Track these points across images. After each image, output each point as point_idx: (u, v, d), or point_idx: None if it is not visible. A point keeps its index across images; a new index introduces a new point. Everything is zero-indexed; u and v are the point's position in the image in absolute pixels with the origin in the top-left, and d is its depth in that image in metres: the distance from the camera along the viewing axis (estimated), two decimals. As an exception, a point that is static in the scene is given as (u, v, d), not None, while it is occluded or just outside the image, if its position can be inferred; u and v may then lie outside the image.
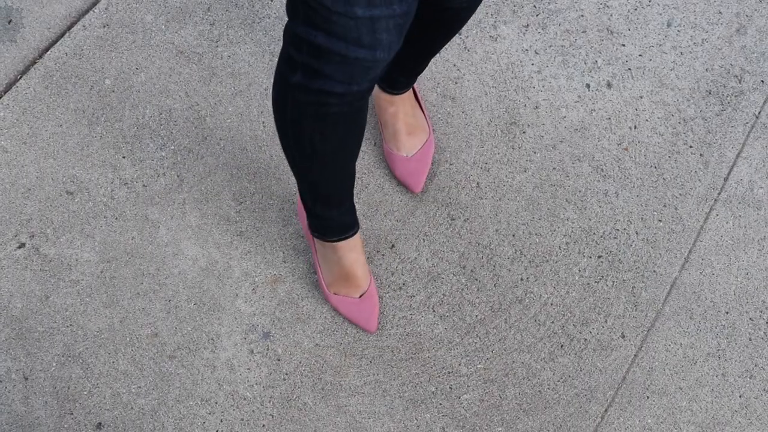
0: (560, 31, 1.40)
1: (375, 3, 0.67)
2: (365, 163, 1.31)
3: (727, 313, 1.26)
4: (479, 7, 1.40)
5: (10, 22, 1.37)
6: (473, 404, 1.19)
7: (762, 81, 1.38)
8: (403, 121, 1.25)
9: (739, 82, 1.38)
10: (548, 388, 1.21)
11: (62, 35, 1.37)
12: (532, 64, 1.38)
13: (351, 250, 1.15)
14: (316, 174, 0.98)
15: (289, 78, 0.79)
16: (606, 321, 1.24)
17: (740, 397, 1.22)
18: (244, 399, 1.19)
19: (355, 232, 1.14)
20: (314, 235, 1.14)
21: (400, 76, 1.19)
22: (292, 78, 0.79)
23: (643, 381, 1.22)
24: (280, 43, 1.38)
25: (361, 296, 1.19)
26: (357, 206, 1.27)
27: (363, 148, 1.32)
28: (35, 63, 1.35)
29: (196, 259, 1.25)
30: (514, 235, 1.28)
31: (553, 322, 1.24)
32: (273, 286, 1.24)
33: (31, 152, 1.30)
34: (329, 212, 1.08)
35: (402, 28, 0.72)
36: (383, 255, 1.26)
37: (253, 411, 1.19)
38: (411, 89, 1.26)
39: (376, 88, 1.24)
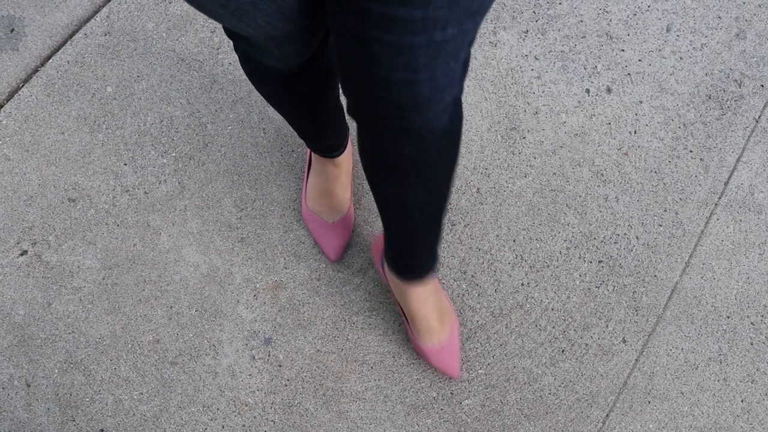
0: (560, 37, 1.41)
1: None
2: (366, 169, 1.32)
3: (728, 317, 1.26)
4: None
5: (12, 30, 1.38)
6: (474, 409, 1.19)
7: (762, 85, 1.38)
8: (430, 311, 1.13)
9: (739, 87, 1.38)
10: (549, 393, 1.21)
11: (64, 43, 1.38)
12: (532, 70, 1.38)
13: (333, 164, 1.18)
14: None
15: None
16: (607, 326, 1.24)
17: (742, 401, 1.22)
18: (246, 405, 1.19)
19: (336, 155, 1.16)
20: None
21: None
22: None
23: (645, 386, 1.22)
24: (281, 50, 1.39)
25: (334, 223, 1.21)
26: (357, 212, 1.28)
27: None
28: (37, 71, 1.36)
29: (197, 266, 1.26)
30: (514, 241, 1.28)
31: (554, 327, 1.24)
32: (274, 292, 1.25)
33: (33, 160, 1.31)
34: (303, 137, 1.11)
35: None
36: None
37: (254, 417, 1.19)
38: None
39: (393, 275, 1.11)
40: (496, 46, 1.40)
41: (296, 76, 0.85)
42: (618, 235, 1.29)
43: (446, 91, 0.67)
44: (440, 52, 0.61)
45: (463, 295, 1.25)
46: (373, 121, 0.73)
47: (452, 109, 0.72)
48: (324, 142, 1.11)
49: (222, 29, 1.39)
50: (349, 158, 1.22)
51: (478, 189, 1.30)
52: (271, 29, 0.70)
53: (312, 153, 1.21)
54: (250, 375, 1.21)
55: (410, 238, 0.96)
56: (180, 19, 1.40)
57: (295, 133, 1.32)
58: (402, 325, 1.23)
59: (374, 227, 1.28)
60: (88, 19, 1.40)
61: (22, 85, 1.35)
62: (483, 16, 0.62)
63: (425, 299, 1.09)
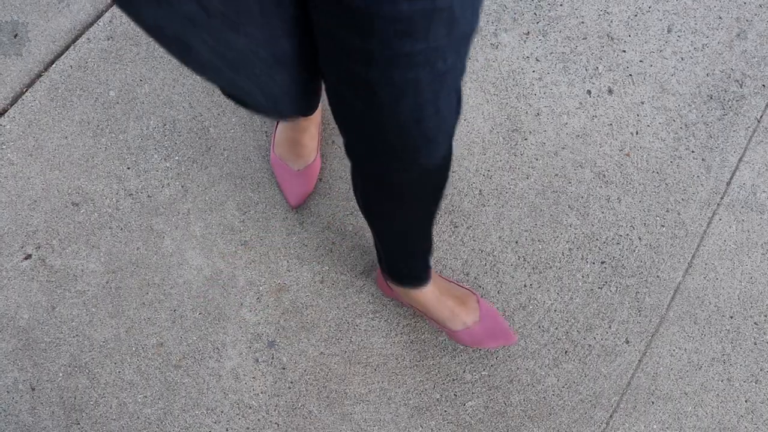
0: (561, 38, 1.41)
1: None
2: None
3: (731, 317, 1.26)
4: (480, 15, 1.41)
5: (16, 36, 1.39)
6: (478, 411, 1.20)
7: (763, 85, 1.38)
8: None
9: (741, 87, 1.39)
10: (553, 395, 1.21)
11: (67, 48, 1.38)
12: (533, 71, 1.38)
13: (305, 118, 1.18)
14: None
15: None
16: (610, 327, 1.24)
17: (746, 401, 1.22)
18: (250, 408, 1.19)
19: (309, 114, 1.10)
20: None
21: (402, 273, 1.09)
22: None
23: (648, 386, 1.22)
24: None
25: (299, 171, 1.24)
26: (359, 215, 1.28)
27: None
28: (41, 76, 1.37)
29: (200, 269, 1.26)
30: (516, 242, 1.28)
31: (557, 329, 1.24)
32: (277, 295, 1.25)
33: (37, 164, 1.31)
34: None
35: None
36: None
37: (258, 420, 1.19)
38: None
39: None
40: (497, 48, 1.40)
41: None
42: (620, 235, 1.29)
43: (449, 122, 0.68)
44: (443, 84, 0.62)
45: (466, 296, 1.25)
46: (375, 160, 0.73)
47: (450, 140, 0.73)
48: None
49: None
50: (319, 111, 1.25)
51: (480, 191, 1.31)
52: (267, 81, 0.68)
53: None
54: (253, 378, 1.21)
55: (404, 249, 0.99)
56: (182, 24, 1.40)
57: None
58: (405, 327, 1.23)
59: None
60: (91, 24, 1.40)
61: (26, 90, 1.36)
62: (474, 37, 0.63)
63: (432, 292, 1.12)
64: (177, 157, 1.32)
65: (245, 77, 0.66)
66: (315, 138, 1.26)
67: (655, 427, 1.20)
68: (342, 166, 1.31)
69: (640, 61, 1.40)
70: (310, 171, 1.26)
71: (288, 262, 1.26)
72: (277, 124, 1.28)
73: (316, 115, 1.26)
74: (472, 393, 1.20)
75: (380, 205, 0.85)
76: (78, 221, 1.28)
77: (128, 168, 1.32)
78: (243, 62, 0.63)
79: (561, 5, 1.43)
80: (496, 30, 1.41)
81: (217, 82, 0.67)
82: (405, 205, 0.84)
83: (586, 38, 1.41)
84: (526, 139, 1.34)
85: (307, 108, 0.85)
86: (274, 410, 1.19)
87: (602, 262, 1.27)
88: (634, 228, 1.29)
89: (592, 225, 1.29)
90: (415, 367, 1.21)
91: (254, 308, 1.24)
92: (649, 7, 1.43)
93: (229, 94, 0.82)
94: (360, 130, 0.69)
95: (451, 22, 0.56)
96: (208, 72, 0.65)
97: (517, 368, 1.21)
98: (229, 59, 0.62)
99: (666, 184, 1.32)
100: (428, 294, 1.11)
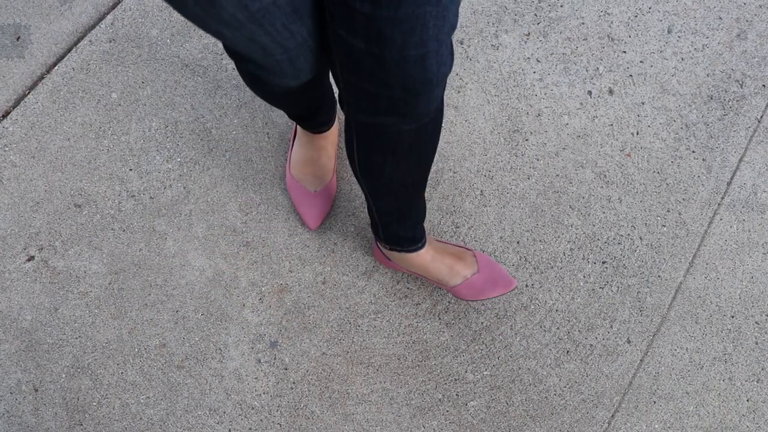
0: (561, 39, 1.41)
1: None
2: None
3: (732, 317, 1.26)
4: (480, 17, 1.41)
5: (18, 38, 1.39)
6: (480, 411, 1.20)
7: (763, 85, 1.39)
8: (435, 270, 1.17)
9: (741, 87, 1.39)
10: (555, 394, 1.21)
11: (69, 50, 1.39)
12: (534, 72, 1.39)
13: (321, 137, 1.22)
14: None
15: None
16: (611, 326, 1.24)
17: (748, 401, 1.22)
18: (252, 408, 1.20)
19: (325, 130, 1.20)
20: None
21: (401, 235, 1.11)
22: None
23: (650, 386, 1.22)
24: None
25: (316, 192, 1.24)
26: (361, 215, 1.29)
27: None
28: (43, 78, 1.37)
29: (203, 270, 1.26)
30: (518, 242, 1.28)
31: (558, 328, 1.24)
32: (279, 295, 1.25)
33: (40, 166, 1.32)
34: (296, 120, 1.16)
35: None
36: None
37: (261, 420, 1.19)
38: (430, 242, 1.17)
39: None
40: (498, 49, 1.40)
41: (302, 86, 0.86)
42: (621, 235, 1.29)
43: (447, 64, 0.71)
44: (444, 19, 0.64)
45: (468, 296, 1.25)
46: (374, 111, 0.76)
47: (443, 89, 0.76)
48: (317, 120, 1.16)
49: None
50: (335, 130, 1.26)
51: (481, 191, 1.31)
52: (286, 35, 0.69)
53: (298, 126, 1.24)
54: (256, 378, 1.21)
55: (399, 211, 1.02)
56: (184, 25, 1.41)
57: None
58: (407, 327, 1.23)
59: (378, 230, 1.28)
60: (92, 27, 1.41)
61: (28, 92, 1.36)
62: None
63: (428, 252, 1.14)
64: (179, 159, 1.33)
65: (265, 33, 0.67)
66: (332, 158, 1.26)
67: (656, 426, 1.20)
68: (343, 167, 1.32)
69: (641, 61, 1.40)
70: (327, 191, 1.26)
71: (290, 262, 1.27)
72: (292, 145, 1.28)
73: (333, 135, 1.26)
74: (474, 393, 1.21)
75: (375, 161, 0.87)
76: (80, 223, 1.29)
77: (130, 169, 1.32)
78: (265, 14, 0.64)
79: (561, 6, 1.43)
80: (496, 31, 1.42)
81: (237, 40, 0.68)
82: (400, 161, 0.86)
83: (586, 39, 1.41)
84: (527, 140, 1.34)
85: (319, 67, 0.84)
86: (277, 411, 1.20)
87: (603, 262, 1.28)
88: (635, 228, 1.30)
89: (593, 225, 1.30)
90: (417, 368, 1.22)
91: (256, 309, 1.24)
92: (650, 8, 1.44)
93: (240, 65, 0.82)
94: (362, 77, 0.70)
95: None
96: (228, 28, 0.65)
97: (519, 368, 1.22)
98: (252, 11, 0.63)
99: (667, 184, 1.32)
100: (425, 255, 1.14)
